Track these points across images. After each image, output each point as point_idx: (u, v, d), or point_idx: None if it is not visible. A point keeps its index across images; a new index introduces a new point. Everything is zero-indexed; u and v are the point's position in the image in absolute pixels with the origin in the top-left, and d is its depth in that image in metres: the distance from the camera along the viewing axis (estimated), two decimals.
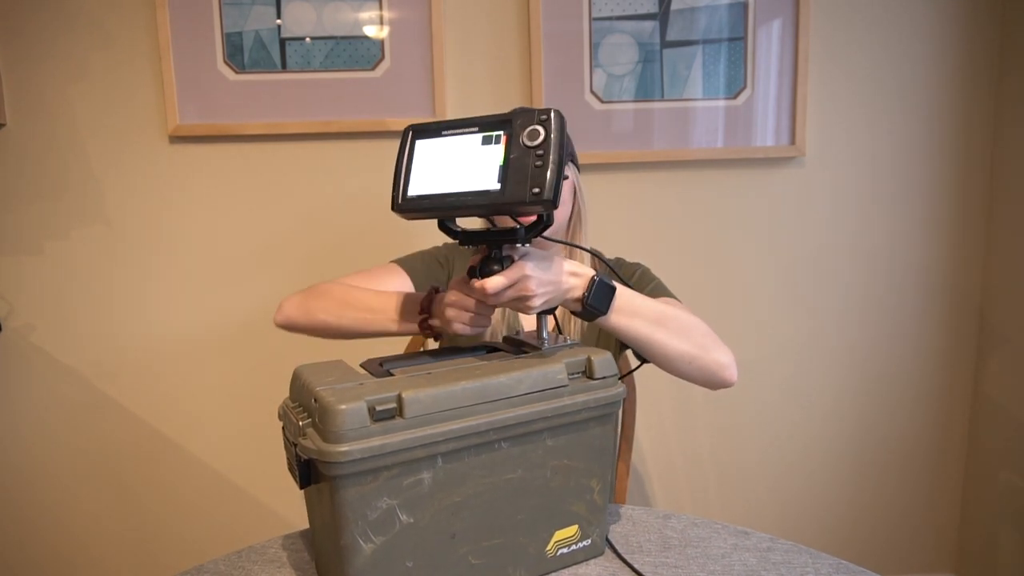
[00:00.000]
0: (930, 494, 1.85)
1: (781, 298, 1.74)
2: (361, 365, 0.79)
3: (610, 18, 1.59)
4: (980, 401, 1.78)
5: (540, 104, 1.60)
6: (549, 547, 0.78)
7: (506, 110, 1.64)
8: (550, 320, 0.85)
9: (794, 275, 1.73)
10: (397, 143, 1.62)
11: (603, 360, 0.78)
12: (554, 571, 0.79)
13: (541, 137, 0.69)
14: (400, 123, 1.58)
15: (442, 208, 0.73)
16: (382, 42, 1.57)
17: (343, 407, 0.65)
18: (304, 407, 0.71)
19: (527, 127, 0.70)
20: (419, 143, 0.76)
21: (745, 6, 1.60)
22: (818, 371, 1.78)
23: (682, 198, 1.69)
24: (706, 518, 0.91)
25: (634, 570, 0.78)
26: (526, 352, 0.82)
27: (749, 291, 1.74)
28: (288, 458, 0.73)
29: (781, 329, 1.76)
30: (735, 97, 1.63)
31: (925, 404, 1.80)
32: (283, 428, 0.75)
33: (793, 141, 1.65)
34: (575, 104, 1.61)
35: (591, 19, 1.59)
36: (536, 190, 0.68)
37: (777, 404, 1.79)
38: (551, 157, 0.68)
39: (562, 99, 1.61)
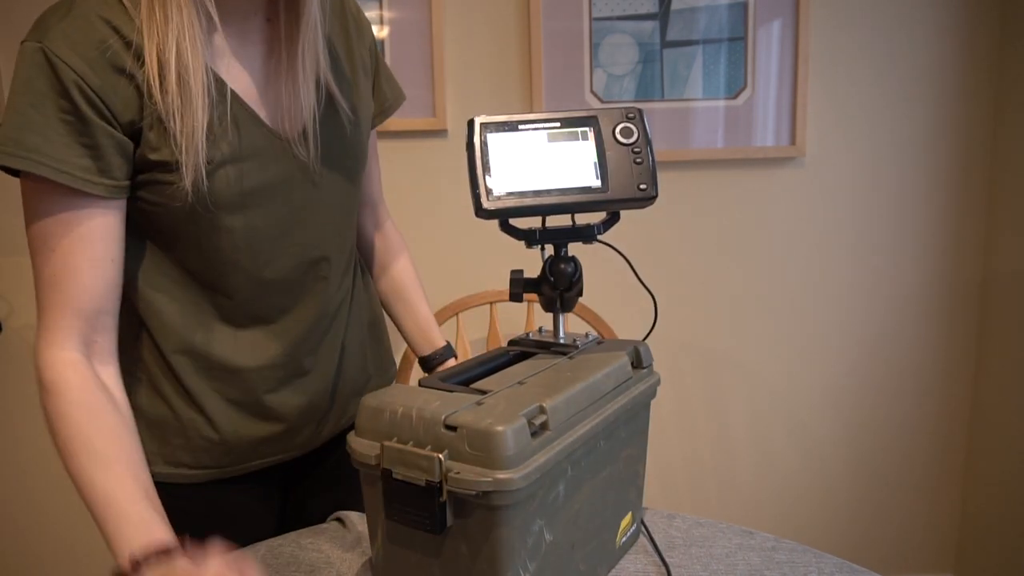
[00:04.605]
0: (930, 494, 1.85)
1: (781, 298, 1.74)
2: (421, 384, 0.69)
3: (610, 18, 1.59)
4: (980, 401, 1.78)
5: (540, 104, 1.60)
6: (618, 537, 0.78)
7: (506, 110, 1.65)
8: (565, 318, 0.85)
9: (794, 275, 1.74)
10: (395, 143, 1.62)
11: (646, 349, 0.80)
12: (619, 562, 0.79)
13: (636, 135, 0.72)
14: (399, 123, 1.58)
15: (540, 208, 0.70)
16: (382, 42, 1.57)
17: (500, 428, 0.56)
18: (426, 441, 0.59)
19: (618, 124, 0.72)
20: (491, 137, 0.70)
21: (745, 6, 1.60)
22: (818, 371, 1.78)
23: (682, 198, 1.69)
24: (709, 519, 0.90)
25: (663, 561, 0.78)
26: (563, 352, 0.79)
27: (748, 291, 1.74)
28: (394, 505, 0.61)
29: (781, 329, 1.76)
30: (735, 97, 1.63)
31: (925, 404, 1.80)
32: (385, 476, 0.60)
33: (793, 141, 1.65)
34: (575, 104, 1.61)
35: (591, 19, 1.59)
36: (643, 186, 0.71)
37: (776, 404, 1.79)
38: (647, 153, 0.72)
39: (562, 99, 1.61)
